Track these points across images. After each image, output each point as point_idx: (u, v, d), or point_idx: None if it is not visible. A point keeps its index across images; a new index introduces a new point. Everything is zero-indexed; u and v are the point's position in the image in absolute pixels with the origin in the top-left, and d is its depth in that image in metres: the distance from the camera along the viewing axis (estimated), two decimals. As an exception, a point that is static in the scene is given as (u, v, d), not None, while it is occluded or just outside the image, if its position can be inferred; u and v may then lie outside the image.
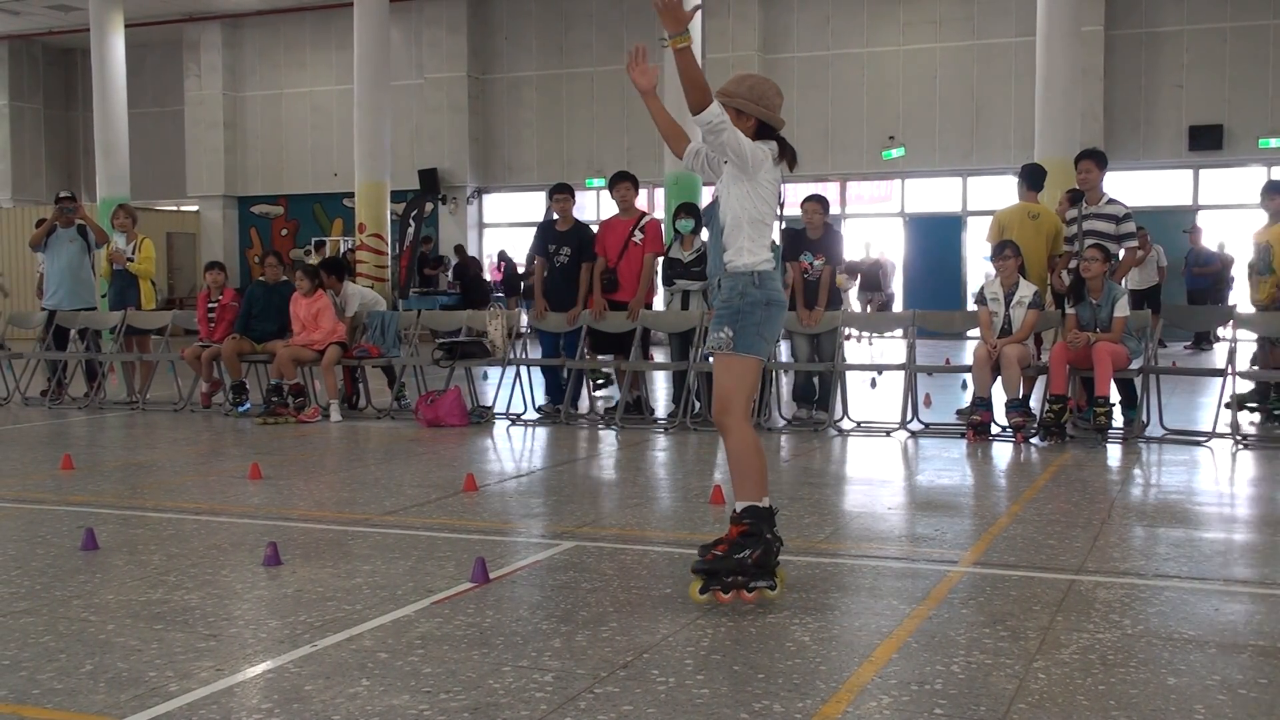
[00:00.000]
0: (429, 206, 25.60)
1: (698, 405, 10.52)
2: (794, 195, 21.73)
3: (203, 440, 10.12)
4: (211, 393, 11.96)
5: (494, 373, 12.62)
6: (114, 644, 4.31)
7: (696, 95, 4.55)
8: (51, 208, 13.31)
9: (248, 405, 11.46)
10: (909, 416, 9.93)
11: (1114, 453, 8.92)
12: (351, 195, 21.87)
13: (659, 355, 11.86)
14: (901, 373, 10.31)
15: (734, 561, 4.72)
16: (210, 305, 12.04)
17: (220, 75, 28.07)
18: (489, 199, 26.84)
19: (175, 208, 29.20)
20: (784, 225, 8.10)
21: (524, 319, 12.70)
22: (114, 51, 23.22)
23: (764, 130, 4.87)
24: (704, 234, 11.13)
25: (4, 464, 9.10)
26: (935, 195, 23.81)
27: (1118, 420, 9.74)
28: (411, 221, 24.62)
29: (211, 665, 4.08)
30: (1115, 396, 9.68)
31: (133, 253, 12.74)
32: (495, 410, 11.15)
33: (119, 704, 3.71)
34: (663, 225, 11.45)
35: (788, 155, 4.92)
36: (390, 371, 11.94)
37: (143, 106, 27.69)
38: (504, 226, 26.49)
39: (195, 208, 28.75)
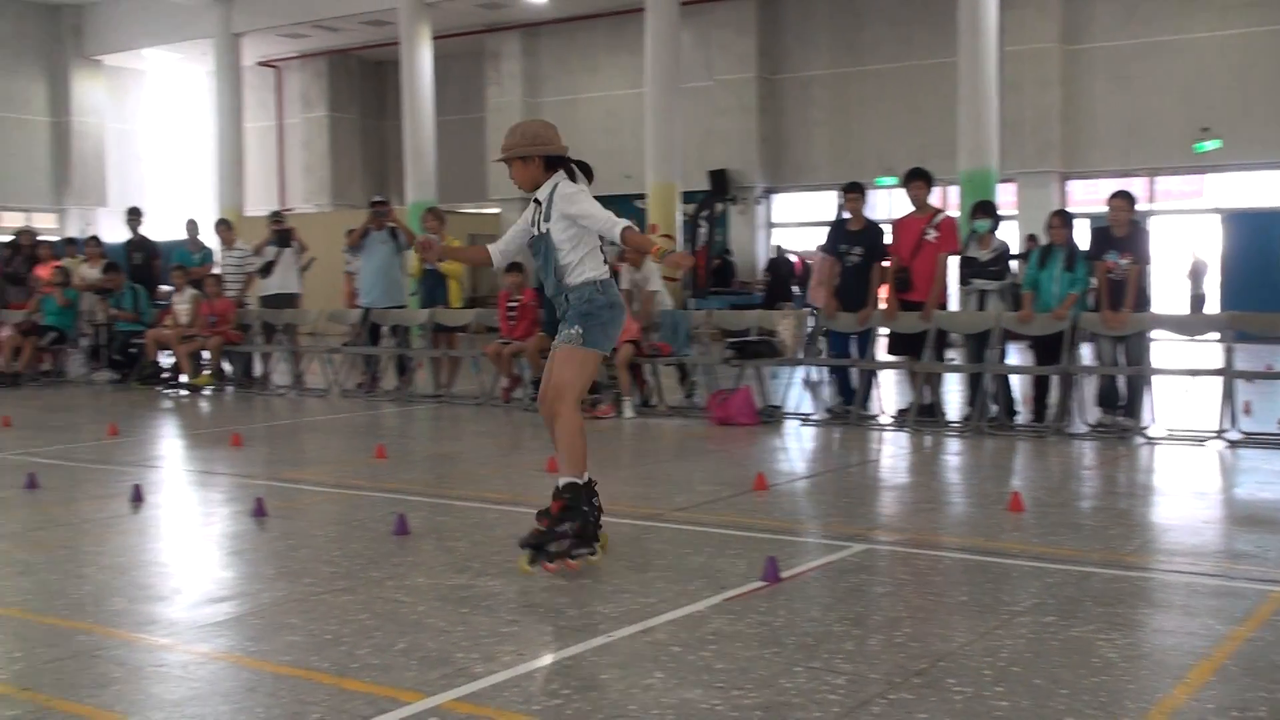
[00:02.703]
0: (719, 207, 25.81)
1: (994, 409, 10.21)
2: (1099, 191, 20.85)
3: (503, 434, 10.53)
4: (511, 388, 12.43)
5: (784, 372, 12.61)
6: (424, 624, 4.54)
7: (637, 241, 5.52)
8: (366, 211, 14.13)
9: (545, 401, 11.84)
10: (1226, 425, 9.34)
11: None
12: (643, 197, 22.28)
13: (953, 357, 11.57)
14: (1219, 379, 9.69)
15: (555, 534, 5.31)
16: (510, 304, 12.52)
17: (519, 82, 29.13)
18: (778, 199, 26.85)
19: (477, 210, 30.49)
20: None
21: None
22: (422, 63, 24.44)
23: (551, 162, 5.54)
24: (985, 227, 10.79)
25: (325, 452, 9.74)
26: (1253, 189, 22.30)
27: None
28: (702, 222, 24.88)
29: (513, 650, 4.24)
30: None
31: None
32: (785, 410, 11.14)
33: (429, 682, 3.90)
34: (958, 223, 11.17)
35: (583, 172, 5.61)
36: (683, 369, 12.08)
37: (448, 114, 29.04)
38: (793, 226, 26.45)
39: (497, 210, 29.94)
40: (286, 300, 14.65)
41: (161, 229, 22.75)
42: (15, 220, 28.57)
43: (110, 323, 15.25)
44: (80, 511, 7.04)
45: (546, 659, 4.17)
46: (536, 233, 5.63)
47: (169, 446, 10.38)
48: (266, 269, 14.62)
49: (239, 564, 5.73)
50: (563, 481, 5.46)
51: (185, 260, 15.44)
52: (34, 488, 7.56)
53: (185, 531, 6.62)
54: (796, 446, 9.65)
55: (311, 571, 5.41)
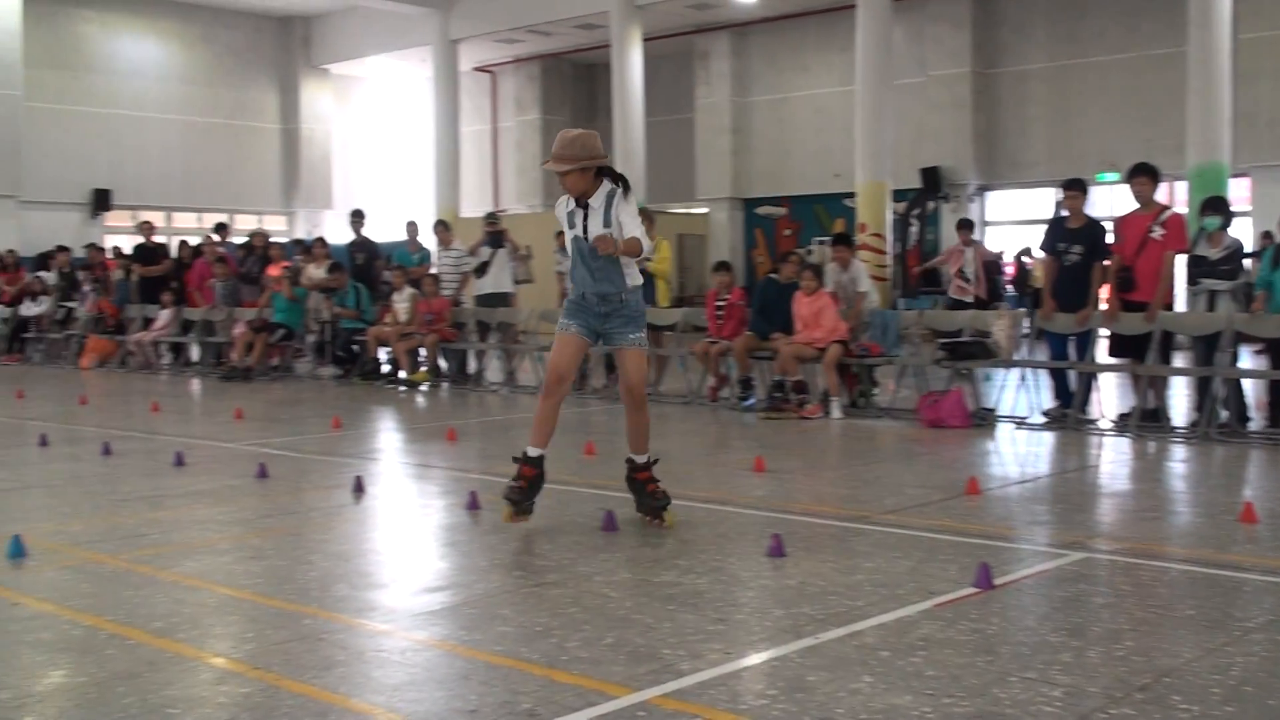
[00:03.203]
0: (931, 205, 25.34)
1: (1224, 414, 9.72)
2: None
3: (710, 432, 10.57)
4: (718, 387, 12.46)
5: (997, 374, 12.29)
6: (632, 620, 4.59)
7: (635, 248, 6.14)
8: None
9: (753, 400, 11.84)
10: None
11: None
12: (853, 195, 22.03)
13: (1180, 360, 11.08)
14: None
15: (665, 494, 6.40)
16: (718, 304, 12.55)
17: (728, 82, 29.18)
18: (992, 196, 26.19)
19: (686, 210, 30.69)
20: None
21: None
22: (633, 65, 24.73)
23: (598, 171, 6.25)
24: (1216, 224, 10.27)
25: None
26: None
27: None
28: (913, 220, 24.46)
29: (720, 648, 4.25)
30: None
31: (651, 253, 13.55)
32: (999, 413, 10.86)
33: (636, 676, 3.94)
34: (1186, 220, 10.69)
35: (624, 182, 6.32)
36: (869, 372, 11.82)
37: (657, 115, 29.30)
38: (1007, 224, 25.75)
39: (704, 210, 30.07)
40: (500, 299, 15.04)
41: (382, 230, 23.61)
42: (248, 223, 30.11)
43: (334, 320, 15.91)
44: (306, 501, 7.37)
45: (753, 658, 4.17)
46: (583, 235, 6.30)
47: (388, 440, 10.76)
48: (481, 269, 15.03)
49: (453, 555, 5.90)
50: (644, 458, 6.55)
51: (404, 260, 16.00)
52: (264, 477, 7.95)
53: (403, 522, 6.85)
54: (1010, 450, 9.38)
55: (523, 564, 5.54)
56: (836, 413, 11.14)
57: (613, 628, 4.49)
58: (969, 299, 15.76)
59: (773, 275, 12.51)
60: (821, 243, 26.87)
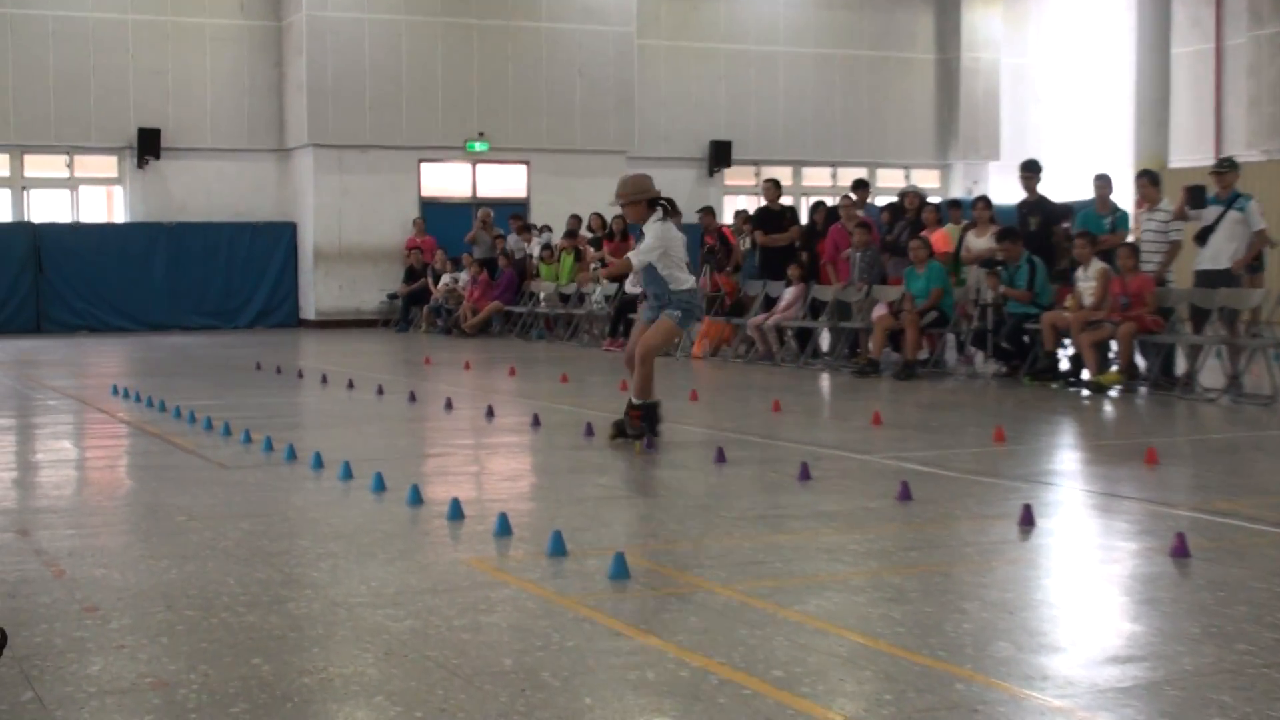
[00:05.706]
0: None
1: None
2: None
3: None
4: None
5: None
6: None
7: (621, 269, 11.94)
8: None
9: None
10: None
11: None
12: None
13: None
14: None
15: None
16: None
17: None
18: None
19: None
20: None
21: None
22: None
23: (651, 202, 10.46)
24: None
25: (1270, 479, 9.45)
26: None
27: None
28: None
29: None
30: None
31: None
32: None
33: None
34: None
35: (674, 210, 10.61)
36: None
37: None
38: None
39: None
40: (1224, 278, 14.31)
41: (1064, 188, 23.35)
42: (894, 179, 30.94)
43: (1000, 303, 15.89)
44: (959, 532, 7.44)
45: None
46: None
47: (1065, 459, 10.64)
48: (1203, 236, 14.40)
49: (1152, 616, 5.72)
50: (638, 401, 10.25)
51: (1092, 226, 15.69)
52: (907, 499, 8.11)
53: (1084, 568, 6.75)
54: None
55: (1250, 636, 5.26)
56: None
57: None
58: None
59: None
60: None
